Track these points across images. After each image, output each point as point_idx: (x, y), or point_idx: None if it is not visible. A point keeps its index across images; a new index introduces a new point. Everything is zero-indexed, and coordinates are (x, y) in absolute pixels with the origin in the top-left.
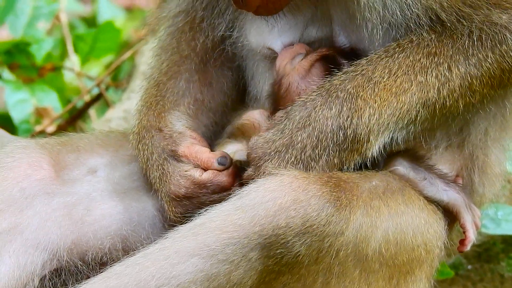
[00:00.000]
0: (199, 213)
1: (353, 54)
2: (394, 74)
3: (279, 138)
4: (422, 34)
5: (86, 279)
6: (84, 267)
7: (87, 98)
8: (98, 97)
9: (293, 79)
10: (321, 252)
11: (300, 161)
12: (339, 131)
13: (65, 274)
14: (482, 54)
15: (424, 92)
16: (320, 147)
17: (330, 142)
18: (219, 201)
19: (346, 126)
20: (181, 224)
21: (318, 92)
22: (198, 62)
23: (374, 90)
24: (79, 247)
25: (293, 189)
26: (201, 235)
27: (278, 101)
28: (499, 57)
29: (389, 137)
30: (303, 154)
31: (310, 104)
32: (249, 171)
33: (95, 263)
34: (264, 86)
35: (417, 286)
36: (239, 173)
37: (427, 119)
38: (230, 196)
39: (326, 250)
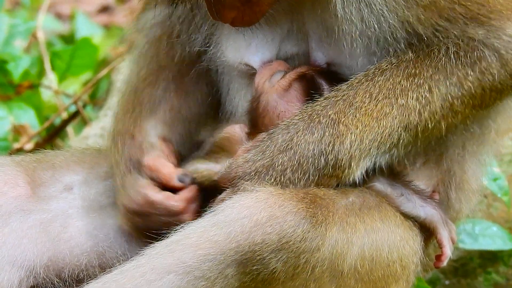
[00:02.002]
0: (157, 231)
1: (332, 73)
2: (375, 99)
3: (260, 159)
4: (400, 55)
5: None
6: (61, 284)
7: (64, 115)
8: (76, 115)
9: (271, 97)
10: (297, 268)
11: (279, 183)
12: (320, 156)
13: None
14: (462, 72)
15: (405, 116)
16: (300, 171)
17: (311, 167)
18: (172, 224)
19: (327, 152)
20: (137, 235)
21: (301, 117)
22: (175, 73)
23: (355, 116)
24: (56, 264)
25: (269, 205)
26: (177, 251)
27: (256, 118)
28: (479, 75)
29: (371, 162)
30: (282, 176)
31: (293, 128)
32: (227, 192)
33: (72, 280)
34: (240, 102)
35: None
36: (198, 196)
37: (410, 142)
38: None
39: (302, 266)
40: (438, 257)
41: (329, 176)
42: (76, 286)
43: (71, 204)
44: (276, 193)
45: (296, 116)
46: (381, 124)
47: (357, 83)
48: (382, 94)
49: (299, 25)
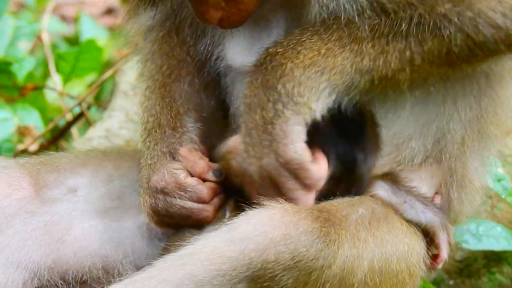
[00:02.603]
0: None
1: None
2: (326, 40)
3: (243, 134)
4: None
5: None
6: (65, 286)
7: (69, 117)
8: (80, 116)
9: None
10: (307, 284)
11: (268, 124)
12: (274, 90)
13: None
14: (422, 36)
15: (358, 59)
16: (273, 105)
17: (277, 97)
18: (186, 216)
19: (276, 82)
20: (154, 219)
21: (253, 68)
22: (195, 66)
23: (299, 52)
24: (60, 266)
25: (284, 224)
26: (189, 265)
27: None
28: (436, 42)
29: (331, 98)
30: (264, 122)
31: (250, 79)
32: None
33: (76, 282)
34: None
35: None
36: (220, 192)
37: (369, 90)
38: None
39: (312, 282)
40: (434, 259)
41: (295, 103)
42: None
43: (75, 206)
44: (291, 211)
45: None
46: (329, 61)
47: (310, 27)
48: (334, 37)
49: (294, 21)
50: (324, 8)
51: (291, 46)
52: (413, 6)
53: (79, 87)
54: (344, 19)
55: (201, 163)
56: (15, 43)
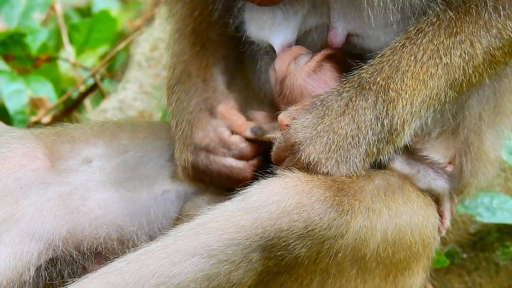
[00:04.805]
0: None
1: (353, 54)
2: (420, 61)
3: (320, 123)
4: (440, 14)
5: (82, 268)
6: (80, 257)
7: (82, 88)
8: (93, 88)
9: (300, 79)
10: (320, 253)
11: (341, 148)
12: (376, 122)
13: (60, 264)
14: (502, 24)
15: (451, 74)
16: (360, 136)
17: (370, 131)
18: (225, 175)
19: (382, 117)
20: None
21: (351, 85)
22: (222, 17)
23: (403, 81)
24: (74, 236)
25: (297, 193)
26: (203, 234)
27: (279, 102)
28: None
29: (420, 123)
30: (344, 141)
31: (346, 95)
32: (288, 159)
33: (90, 253)
34: (263, 79)
35: (414, 279)
36: (258, 154)
37: (455, 97)
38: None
39: (325, 252)
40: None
41: (386, 141)
42: (94, 259)
43: (90, 177)
44: (304, 180)
45: (345, 84)
46: (428, 85)
47: (400, 46)
48: (427, 55)
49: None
50: None
51: (398, 77)
52: None
53: (92, 59)
54: (426, 28)
55: (239, 121)
56: (28, 14)
